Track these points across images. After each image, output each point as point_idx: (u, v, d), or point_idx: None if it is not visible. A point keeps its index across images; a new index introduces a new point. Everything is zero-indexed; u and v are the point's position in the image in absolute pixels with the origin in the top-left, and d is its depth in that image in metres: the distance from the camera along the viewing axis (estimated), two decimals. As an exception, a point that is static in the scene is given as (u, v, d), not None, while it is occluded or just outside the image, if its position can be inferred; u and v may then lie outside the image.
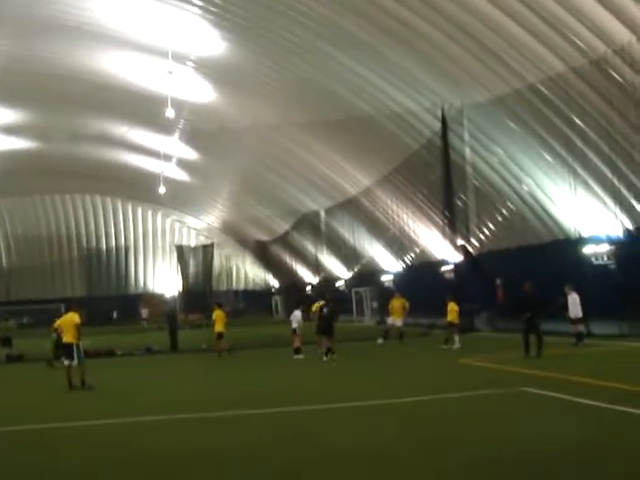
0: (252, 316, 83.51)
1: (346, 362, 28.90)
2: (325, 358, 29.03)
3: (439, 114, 41.10)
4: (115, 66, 48.53)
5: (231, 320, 70.78)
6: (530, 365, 22.73)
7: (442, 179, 43.38)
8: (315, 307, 32.61)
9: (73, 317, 23.73)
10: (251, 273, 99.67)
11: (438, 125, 41.75)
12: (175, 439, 14.35)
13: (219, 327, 34.02)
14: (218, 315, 34.59)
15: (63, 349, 23.60)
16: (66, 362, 23.23)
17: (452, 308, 33.43)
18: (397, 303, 37.64)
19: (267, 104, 48.95)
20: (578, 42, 29.50)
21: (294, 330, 31.66)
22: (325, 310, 31.37)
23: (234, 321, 71.52)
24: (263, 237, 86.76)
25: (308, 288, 79.17)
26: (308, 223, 71.40)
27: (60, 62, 47.55)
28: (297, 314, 32.24)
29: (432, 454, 12.00)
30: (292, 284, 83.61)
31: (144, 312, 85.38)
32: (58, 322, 24.29)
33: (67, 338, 23.35)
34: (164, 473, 11.80)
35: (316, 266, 76.19)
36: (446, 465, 11.24)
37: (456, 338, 32.36)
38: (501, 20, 30.62)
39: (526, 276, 28.89)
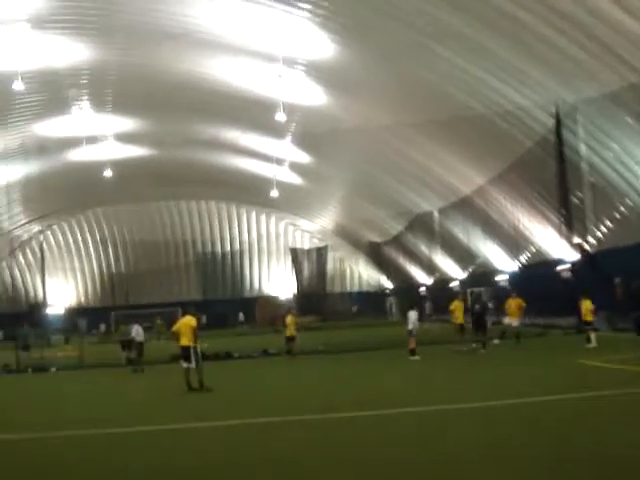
0: (366, 318, 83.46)
1: (461, 362, 28.77)
2: (476, 346, 32.84)
3: (552, 111, 40.46)
4: (225, 72, 49.10)
5: (345, 323, 71.56)
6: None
7: (557, 176, 42.70)
8: (455, 306, 33.99)
9: (190, 320, 24.11)
10: (365, 275, 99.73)
11: (551, 122, 41.09)
12: (300, 440, 14.44)
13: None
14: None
15: (181, 352, 23.99)
16: (184, 365, 23.62)
17: (586, 307, 32.81)
18: (514, 303, 37.23)
19: (377, 105, 48.94)
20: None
21: (410, 331, 31.56)
22: (477, 307, 36.05)
23: (348, 323, 71.98)
24: (376, 238, 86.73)
25: (422, 289, 78.94)
26: (421, 224, 71.15)
27: (170, 69, 48.34)
28: (412, 315, 32.14)
29: (546, 455, 11.81)
30: (406, 285, 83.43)
31: (241, 315, 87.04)
32: (176, 325, 24.68)
33: (185, 341, 23.70)
34: (288, 475, 11.87)
35: (430, 267, 75.87)
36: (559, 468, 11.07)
37: (592, 336, 31.78)
38: (614, 13, 29.97)
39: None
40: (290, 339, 36.65)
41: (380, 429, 15.19)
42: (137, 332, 34.60)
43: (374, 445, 13.47)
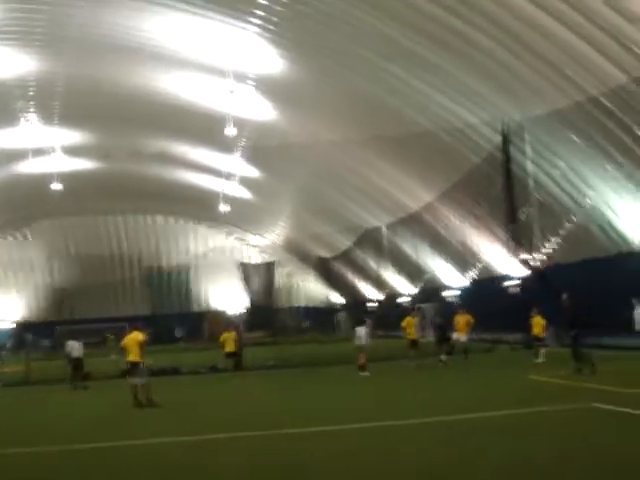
0: (315, 333, 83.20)
1: (411, 378, 28.86)
2: (444, 359, 33.82)
3: (499, 128, 40.83)
4: (176, 86, 48.94)
5: (294, 338, 71.41)
6: (599, 381, 22.38)
7: (504, 193, 43.07)
8: (407, 322, 34.37)
9: (137, 336, 23.98)
10: (314, 290, 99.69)
11: (499, 139, 41.47)
12: (241, 456, 14.40)
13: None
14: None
15: (129, 367, 23.85)
16: (132, 380, 23.49)
17: (538, 322, 33.07)
18: (462, 319, 37.48)
19: (326, 120, 49.05)
20: (639, 52, 29.14)
21: (359, 347, 31.61)
22: (439, 320, 38.25)
23: (297, 339, 71.79)
24: (325, 254, 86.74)
25: (371, 305, 79.05)
26: (370, 239, 71.28)
27: (121, 82, 48.06)
28: (361, 331, 32.20)
29: (500, 472, 11.86)
30: (355, 301, 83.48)
31: (178, 331, 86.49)
32: (124, 341, 24.53)
33: (132, 357, 23.59)
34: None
35: (379, 282, 76.03)
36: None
37: (542, 352, 32.06)
38: (560, 32, 30.36)
39: (592, 289, 28.55)
40: (231, 355, 36.66)
41: (328, 445, 15.17)
42: (72, 348, 34.19)
43: (321, 462, 13.46)
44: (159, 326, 75.12)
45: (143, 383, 23.42)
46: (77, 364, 33.82)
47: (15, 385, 36.08)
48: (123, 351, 24.35)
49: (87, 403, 27.34)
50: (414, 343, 34.66)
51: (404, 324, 35.23)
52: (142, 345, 23.68)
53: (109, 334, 62.69)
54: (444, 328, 36.90)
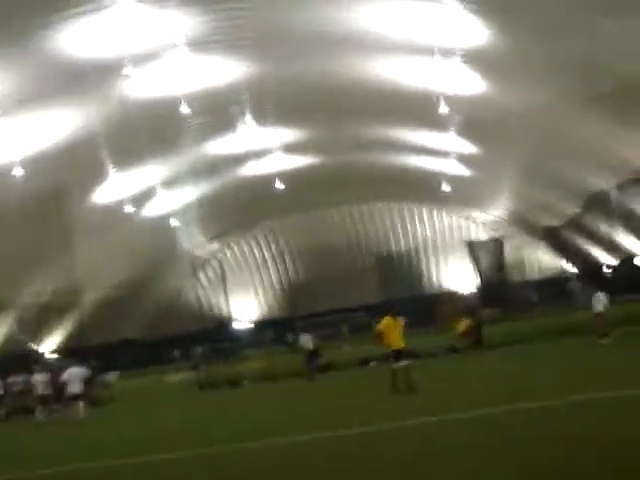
0: (549, 305, 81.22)
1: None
2: None
3: None
4: (384, 70, 48.83)
5: (528, 312, 70.10)
6: None
7: None
8: None
9: (389, 321, 23.96)
10: (544, 261, 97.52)
11: None
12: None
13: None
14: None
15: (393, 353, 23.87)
16: (395, 365, 23.59)
17: None
18: None
19: (540, 87, 47.64)
20: None
21: (597, 314, 30.55)
22: None
23: (532, 312, 70.47)
24: (552, 223, 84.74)
25: (606, 270, 76.78)
26: (598, 203, 69.08)
27: (329, 74, 48.40)
28: (599, 297, 31.12)
29: None
30: (588, 267, 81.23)
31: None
32: (380, 327, 24.33)
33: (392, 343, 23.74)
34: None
35: (612, 246, 73.64)
36: None
37: None
38: None
39: None
40: (466, 334, 36.69)
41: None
42: (304, 341, 35.41)
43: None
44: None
45: (400, 366, 23.42)
46: (310, 356, 34.69)
47: (260, 380, 37.29)
48: (379, 338, 24.29)
49: (333, 392, 27.82)
50: None
51: None
52: (382, 332, 23.79)
53: (343, 325, 63.58)
54: None
